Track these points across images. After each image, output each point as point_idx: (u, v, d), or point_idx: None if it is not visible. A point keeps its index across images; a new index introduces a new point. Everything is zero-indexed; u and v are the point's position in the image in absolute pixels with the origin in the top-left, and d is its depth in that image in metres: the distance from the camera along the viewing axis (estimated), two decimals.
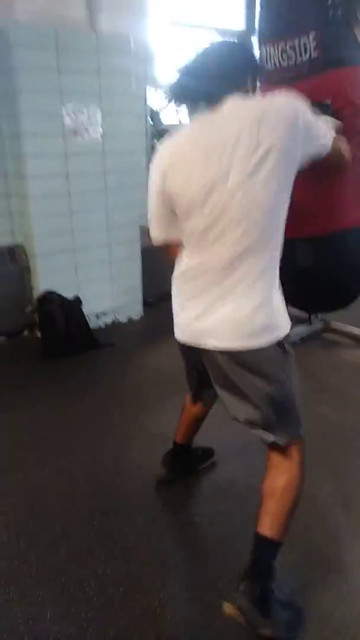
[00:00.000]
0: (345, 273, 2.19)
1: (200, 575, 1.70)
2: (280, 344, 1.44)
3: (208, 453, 2.26)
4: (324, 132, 1.44)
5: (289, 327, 1.49)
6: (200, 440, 2.12)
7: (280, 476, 1.50)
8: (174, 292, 1.58)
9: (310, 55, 1.77)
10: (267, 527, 1.46)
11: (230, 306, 1.41)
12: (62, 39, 3.05)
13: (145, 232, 3.96)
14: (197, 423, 2.05)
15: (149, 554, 1.79)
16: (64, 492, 2.11)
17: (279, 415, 1.47)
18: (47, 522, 1.95)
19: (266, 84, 1.78)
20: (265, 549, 1.47)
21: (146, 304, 4.13)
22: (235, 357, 1.43)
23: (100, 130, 3.38)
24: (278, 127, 1.27)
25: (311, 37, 1.73)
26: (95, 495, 2.09)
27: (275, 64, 1.78)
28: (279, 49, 1.74)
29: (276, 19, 1.72)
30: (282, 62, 1.77)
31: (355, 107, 1.84)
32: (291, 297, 2.10)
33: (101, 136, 3.40)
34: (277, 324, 1.44)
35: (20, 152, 3.16)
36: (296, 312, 3.70)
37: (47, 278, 3.44)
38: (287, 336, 1.48)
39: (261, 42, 1.75)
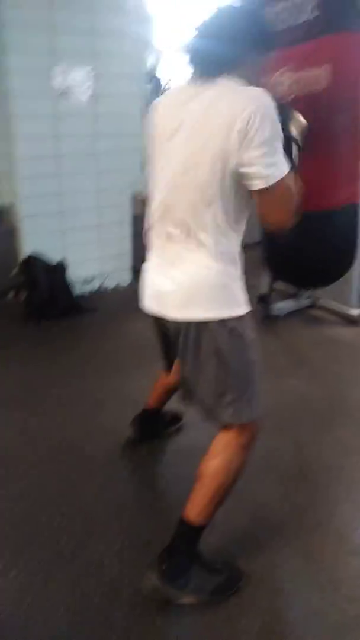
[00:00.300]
0: (334, 250, 2.15)
1: (150, 533, 1.73)
2: (227, 323, 1.38)
3: (177, 418, 2.28)
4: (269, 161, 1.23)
5: (244, 311, 1.43)
6: (170, 404, 2.14)
7: (214, 459, 1.47)
8: None
9: (308, 16, 1.67)
10: (190, 510, 1.46)
11: (171, 274, 1.40)
12: None
13: (137, 198, 3.95)
14: (168, 391, 2.06)
15: (105, 511, 1.83)
16: (30, 450, 2.14)
17: (220, 397, 1.43)
18: (12, 474, 1.99)
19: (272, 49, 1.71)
20: (184, 532, 1.47)
21: (136, 271, 4.11)
22: (180, 328, 1.41)
23: (90, 92, 3.31)
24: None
25: None
26: (60, 452, 2.13)
27: (275, 25, 1.70)
28: (279, 5, 1.66)
29: None
30: (278, 24, 1.69)
31: (356, 76, 1.78)
32: (280, 272, 2.10)
33: (93, 98, 3.33)
34: (221, 300, 1.39)
35: (7, 112, 3.11)
36: (283, 286, 3.70)
37: (32, 241, 3.42)
38: (242, 319, 1.42)
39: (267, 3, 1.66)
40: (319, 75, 1.77)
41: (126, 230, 3.83)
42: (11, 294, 3.64)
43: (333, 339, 3.18)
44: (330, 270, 2.36)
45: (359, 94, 1.88)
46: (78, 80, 3.22)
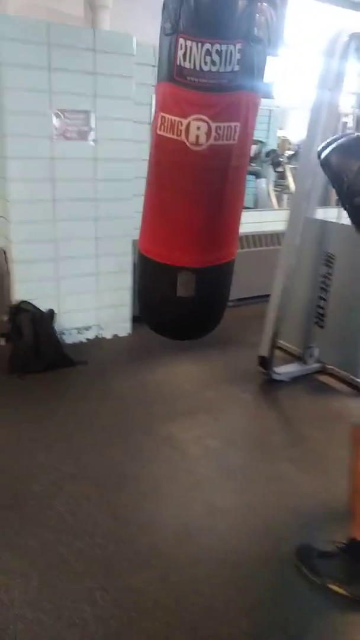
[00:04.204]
0: (218, 301, 1.93)
1: None
2: None
3: None
4: None
5: None
6: None
7: None
8: None
9: (233, 68, 1.47)
10: None
11: None
12: (54, 34, 2.86)
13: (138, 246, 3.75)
14: None
15: None
16: None
17: None
18: None
19: (176, 85, 1.50)
20: None
21: (138, 320, 3.89)
22: None
23: (93, 134, 3.16)
24: None
25: (237, 48, 1.45)
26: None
27: (195, 65, 1.48)
28: (203, 49, 1.45)
29: (206, 13, 1.43)
30: (203, 66, 1.47)
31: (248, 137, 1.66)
32: (164, 327, 1.92)
33: (93, 141, 3.18)
34: None
35: (3, 153, 2.99)
36: (291, 349, 3.38)
37: (24, 287, 3.25)
38: None
39: (182, 34, 1.45)
40: (233, 129, 1.56)
41: (126, 280, 3.61)
42: (2, 342, 3.47)
43: (340, 415, 2.81)
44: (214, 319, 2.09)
45: (248, 154, 1.77)
46: (76, 122, 3.07)
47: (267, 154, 5.17)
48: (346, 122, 4.51)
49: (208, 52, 1.46)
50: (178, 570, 1.80)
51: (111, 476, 2.25)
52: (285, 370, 3.18)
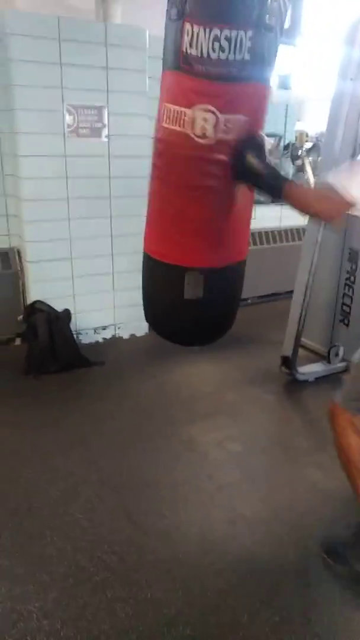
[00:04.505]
0: (228, 304, 1.79)
1: None
2: None
3: None
4: None
5: None
6: None
7: None
8: None
9: (243, 57, 1.36)
10: None
11: None
12: (65, 28, 2.79)
13: None
14: None
15: None
16: None
17: None
18: None
19: (182, 73, 1.39)
20: None
21: None
22: None
23: (106, 131, 3.09)
24: None
25: (248, 35, 1.34)
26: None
27: (202, 52, 1.37)
28: (211, 35, 1.35)
29: None
30: (211, 53, 1.36)
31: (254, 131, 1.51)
32: (173, 333, 1.80)
33: (107, 137, 3.11)
34: None
35: (15, 151, 2.94)
36: (315, 347, 3.27)
37: (38, 286, 3.20)
38: None
39: (188, 19, 1.35)
40: (241, 122, 1.44)
41: None
42: (18, 341, 3.43)
43: None
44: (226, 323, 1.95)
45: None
46: (89, 118, 3.01)
47: (285, 147, 5.05)
48: None
49: (216, 39, 1.35)
50: (201, 580, 1.72)
51: (129, 481, 2.18)
52: (309, 370, 3.08)
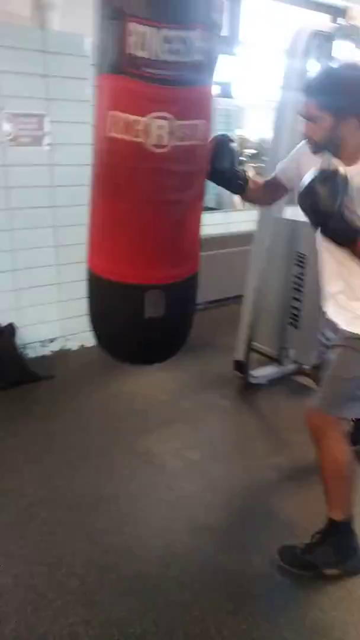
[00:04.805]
0: (187, 317, 1.68)
1: None
2: None
3: None
4: None
5: None
6: None
7: None
8: None
9: (195, 58, 1.27)
10: None
11: None
12: (0, 35, 2.71)
13: None
14: None
15: None
16: None
17: None
18: None
19: (129, 78, 1.27)
20: None
21: None
22: None
23: (47, 139, 3.02)
24: None
25: (200, 35, 1.26)
26: None
27: (152, 54, 1.24)
28: (160, 35, 1.29)
29: None
30: (163, 55, 1.27)
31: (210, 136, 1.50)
32: (133, 354, 1.68)
33: (48, 146, 3.04)
34: None
35: None
36: (266, 351, 3.30)
37: None
38: None
39: (132, 18, 1.22)
40: (198, 127, 1.38)
41: None
42: None
43: None
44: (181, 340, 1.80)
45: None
46: (29, 126, 2.93)
47: None
48: None
49: (167, 39, 1.26)
50: (166, 595, 1.67)
51: (86, 499, 2.10)
52: (262, 373, 3.11)
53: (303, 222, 2.99)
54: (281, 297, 3.14)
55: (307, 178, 1.43)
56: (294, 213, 3.18)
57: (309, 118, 1.50)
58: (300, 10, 3.90)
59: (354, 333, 1.63)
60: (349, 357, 1.65)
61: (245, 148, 5.27)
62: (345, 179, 1.41)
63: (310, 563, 1.76)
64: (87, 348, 3.54)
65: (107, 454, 2.39)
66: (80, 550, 1.84)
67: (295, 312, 3.12)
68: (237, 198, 5.36)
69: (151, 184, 1.41)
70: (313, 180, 1.39)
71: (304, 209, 1.45)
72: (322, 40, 2.78)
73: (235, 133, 5.49)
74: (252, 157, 5.19)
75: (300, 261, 3.04)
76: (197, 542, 1.90)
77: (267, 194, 1.88)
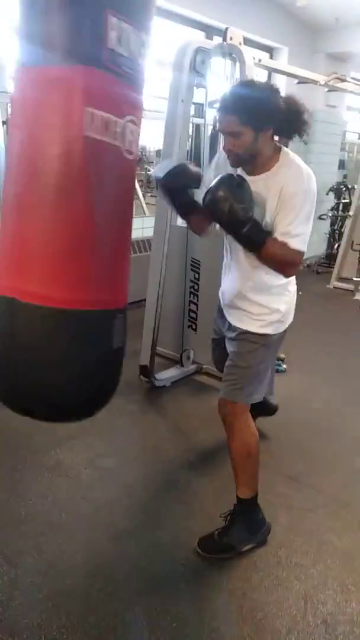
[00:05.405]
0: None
1: None
2: None
3: None
4: None
5: None
6: None
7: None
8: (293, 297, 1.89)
9: (144, 63, 1.25)
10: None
11: None
12: None
13: None
14: None
15: None
16: None
17: None
18: None
19: (109, 74, 1.17)
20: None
21: None
22: None
23: None
24: None
25: (148, 39, 1.24)
26: None
27: (131, 54, 1.22)
28: (140, 36, 1.22)
29: None
30: (137, 55, 1.22)
31: None
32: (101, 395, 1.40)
33: None
34: None
35: None
36: (168, 353, 3.40)
37: None
38: None
39: (113, 12, 1.15)
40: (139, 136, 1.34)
41: None
42: None
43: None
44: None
45: None
46: None
47: None
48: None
49: (143, 42, 1.22)
50: (95, 609, 1.67)
51: (0, 520, 2.02)
52: (165, 375, 3.19)
53: None
54: (179, 301, 3.26)
55: (215, 187, 1.56)
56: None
57: (232, 134, 1.61)
58: (177, 26, 4.05)
59: (249, 330, 1.84)
60: (246, 349, 1.84)
61: None
62: (249, 187, 1.59)
63: (228, 545, 1.88)
64: None
65: (16, 471, 2.31)
66: None
67: (192, 315, 3.26)
68: (144, 204, 5.44)
69: (126, 193, 1.34)
70: (223, 189, 1.55)
71: (218, 217, 1.60)
72: (205, 57, 2.94)
73: None
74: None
75: (195, 266, 3.18)
76: (120, 549, 1.92)
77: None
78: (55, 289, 1.22)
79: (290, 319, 1.90)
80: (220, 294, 2.00)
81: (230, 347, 1.91)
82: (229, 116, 1.59)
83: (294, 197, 1.61)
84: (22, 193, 1.23)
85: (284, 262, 1.67)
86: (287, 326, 1.89)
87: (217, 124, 1.73)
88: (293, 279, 1.85)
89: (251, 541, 1.92)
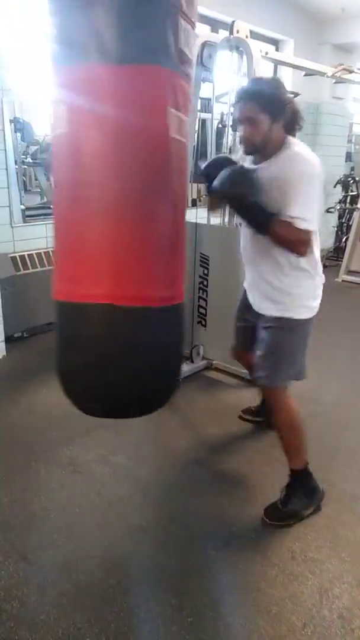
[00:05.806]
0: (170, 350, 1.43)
1: None
2: None
3: None
4: None
5: None
6: None
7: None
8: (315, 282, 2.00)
9: None
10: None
11: None
12: None
13: (10, 257, 3.48)
14: None
15: None
16: None
17: None
18: None
19: (182, 77, 1.23)
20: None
21: (11, 340, 3.61)
22: None
23: None
24: None
25: None
26: None
27: (190, 51, 1.30)
28: (194, 34, 1.32)
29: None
30: (190, 54, 1.29)
31: None
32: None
33: None
34: None
35: None
36: None
37: None
38: None
39: (184, 15, 1.21)
40: None
41: None
42: None
43: (231, 406, 2.89)
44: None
45: None
46: None
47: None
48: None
49: (194, 40, 1.31)
50: (110, 604, 1.68)
51: (15, 517, 2.03)
52: None
53: (205, 225, 3.15)
54: (189, 297, 3.25)
55: (225, 173, 1.71)
56: (196, 216, 3.32)
57: (250, 120, 1.74)
58: None
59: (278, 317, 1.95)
60: (275, 335, 1.95)
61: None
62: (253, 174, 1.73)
63: (293, 511, 2.04)
64: None
65: (31, 468, 2.32)
66: (15, 571, 1.78)
67: (202, 311, 3.26)
68: None
69: (184, 187, 1.38)
70: (232, 174, 1.70)
71: (227, 195, 1.75)
72: (212, 51, 2.92)
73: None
74: None
75: (205, 262, 3.17)
76: (135, 545, 1.93)
77: None
78: (153, 289, 1.28)
79: (315, 304, 1.99)
80: (245, 284, 2.13)
81: (260, 334, 2.01)
82: (249, 103, 1.73)
83: (294, 181, 1.71)
84: (108, 199, 1.21)
85: (293, 241, 1.76)
86: (315, 312, 1.99)
87: (236, 114, 1.82)
88: (318, 266, 1.97)
89: (311, 505, 2.06)
